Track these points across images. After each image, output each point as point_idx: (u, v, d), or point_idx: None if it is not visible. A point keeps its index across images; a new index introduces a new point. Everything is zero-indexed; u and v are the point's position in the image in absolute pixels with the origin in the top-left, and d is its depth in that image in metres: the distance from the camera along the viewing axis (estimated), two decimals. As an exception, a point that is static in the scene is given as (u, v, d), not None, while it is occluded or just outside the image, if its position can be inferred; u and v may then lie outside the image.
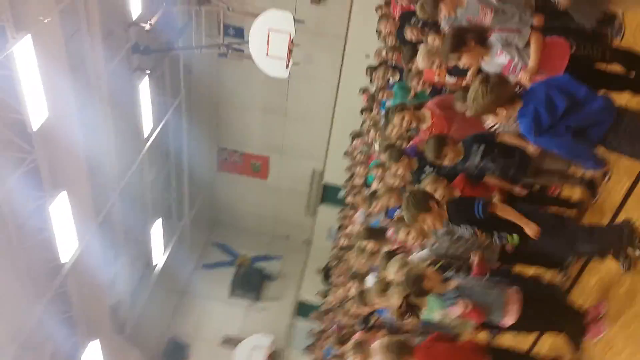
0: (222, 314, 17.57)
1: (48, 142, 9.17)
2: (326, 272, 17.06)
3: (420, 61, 5.15)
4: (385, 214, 6.46)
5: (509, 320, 3.50)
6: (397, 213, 5.18)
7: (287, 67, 12.96)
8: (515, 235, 3.37)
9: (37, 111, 8.62)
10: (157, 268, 15.61)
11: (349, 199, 12.70)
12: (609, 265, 3.66)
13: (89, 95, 10.49)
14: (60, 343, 10.99)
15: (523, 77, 3.31)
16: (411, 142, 5.70)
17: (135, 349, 13.81)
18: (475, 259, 3.80)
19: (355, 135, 13.03)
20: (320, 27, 15.44)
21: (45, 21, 8.21)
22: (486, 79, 3.03)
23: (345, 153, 14.59)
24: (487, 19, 3.88)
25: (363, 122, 13.03)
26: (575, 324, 3.77)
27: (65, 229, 10.05)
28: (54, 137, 9.29)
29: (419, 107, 4.88)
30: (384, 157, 5.99)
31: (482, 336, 4.65)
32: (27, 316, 9.83)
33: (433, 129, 4.61)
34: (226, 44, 14.40)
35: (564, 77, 3.06)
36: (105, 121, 11.31)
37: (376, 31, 11.67)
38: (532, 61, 3.32)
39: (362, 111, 13.18)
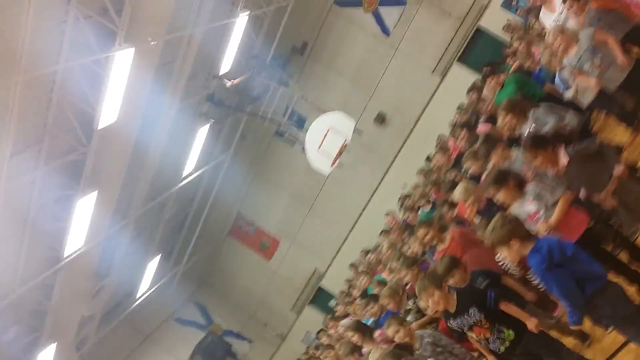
0: (174, 373, 17.19)
1: (104, 143, 9.83)
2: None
3: (457, 194, 5.71)
4: (378, 319, 6.73)
5: None
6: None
7: (332, 165, 13.72)
8: (511, 332, 3.73)
9: (108, 113, 9.39)
10: (136, 302, 15.63)
11: (339, 308, 12.80)
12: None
13: (155, 120, 11.32)
14: (23, 332, 10.99)
15: (541, 228, 3.80)
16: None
17: (83, 371, 13.57)
18: None
19: (368, 252, 13.43)
20: (373, 144, 16.43)
21: (152, 43, 9.20)
22: (504, 216, 3.54)
23: (351, 265, 14.91)
24: (529, 176, 4.47)
25: (378, 245, 13.49)
26: None
27: (79, 227, 10.47)
28: (111, 142, 9.98)
29: (442, 229, 5.37)
30: (396, 264, 6.40)
31: None
32: (4, 292, 9.95)
33: (447, 252, 5.05)
34: (286, 125, 15.45)
35: (572, 243, 3.53)
36: (157, 148, 12.06)
37: (427, 157, 12.49)
38: (554, 218, 3.83)
39: (381, 232, 13.70)
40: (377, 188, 17.11)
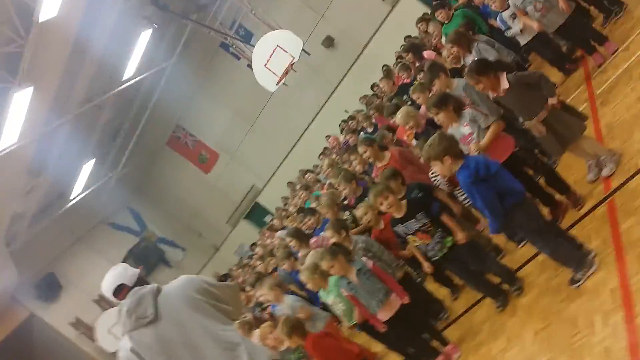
0: (105, 275, 17.43)
1: (43, 37, 9.43)
2: (223, 280, 17.36)
3: (399, 117, 6.08)
4: (313, 231, 7.18)
5: (382, 316, 4.31)
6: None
7: (277, 84, 13.75)
8: (450, 239, 4.24)
9: (48, 7, 8.97)
10: (69, 203, 15.53)
11: (276, 222, 13.32)
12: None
13: (97, 19, 10.89)
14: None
15: (472, 149, 4.26)
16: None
17: (12, 266, 13.55)
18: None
19: (307, 172, 13.88)
20: (320, 67, 16.49)
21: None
22: (442, 134, 3.95)
23: (289, 183, 15.39)
24: (467, 103, 4.87)
25: (317, 165, 13.96)
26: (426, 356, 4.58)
27: (14, 122, 10.18)
28: (50, 37, 9.59)
29: (382, 148, 5.77)
30: (335, 180, 6.81)
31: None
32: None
33: (386, 167, 5.47)
34: (232, 39, 15.17)
35: (497, 161, 3.99)
36: (97, 48, 11.67)
37: (372, 86, 12.79)
38: (484, 141, 4.28)
39: (321, 153, 14.15)
40: (319, 111, 17.38)
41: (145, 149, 18.50)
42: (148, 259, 18.59)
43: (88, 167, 15.18)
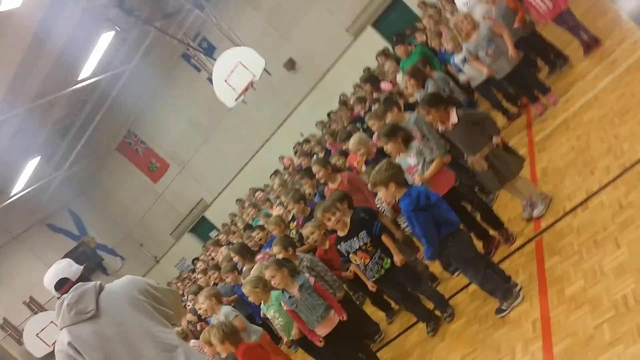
0: (38, 277, 16.81)
1: (2, 28, 9.30)
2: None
3: (351, 144, 6.30)
4: (259, 248, 7.26)
5: (320, 331, 4.44)
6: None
7: (236, 100, 13.85)
8: (388, 261, 4.41)
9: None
10: (8, 200, 15.00)
11: (222, 237, 13.26)
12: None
13: (59, 15, 10.76)
14: None
15: (416, 180, 4.51)
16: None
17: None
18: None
19: (257, 190, 13.96)
20: (280, 88, 16.71)
21: None
22: (390, 162, 4.18)
23: (238, 200, 15.42)
24: (416, 136, 5.15)
25: (267, 185, 14.08)
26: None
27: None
28: (10, 28, 9.46)
29: (334, 170, 5.97)
30: (285, 198, 6.94)
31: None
32: None
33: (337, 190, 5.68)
34: (194, 50, 15.24)
35: (437, 193, 4.24)
36: (56, 44, 11.50)
37: (328, 113, 13.07)
38: (427, 173, 4.55)
39: (273, 174, 14.28)
40: (275, 131, 17.53)
41: (94, 151, 18.12)
42: (85, 264, 18.04)
43: (33, 164, 14.75)
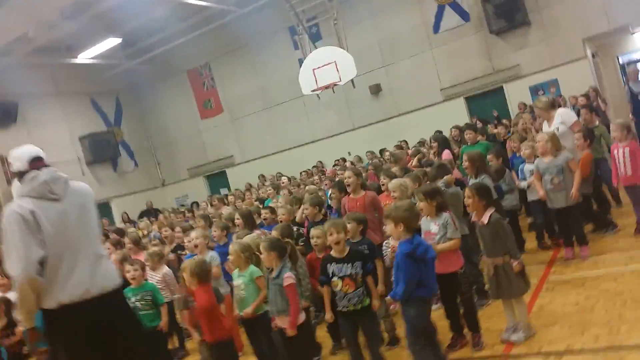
0: (57, 137, 17.39)
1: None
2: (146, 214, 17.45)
3: (391, 183, 6.40)
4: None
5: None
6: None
7: (312, 91, 14.11)
8: (368, 300, 4.44)
9: None
10: (71, 59, 15.57)
11: (230, 198, 13.40)
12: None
13: None
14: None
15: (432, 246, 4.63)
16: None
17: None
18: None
19: (283, 176, 14.13)
20: (355, 103, 17.00)
21: None
22: (413, 206, 4.30)
23: (261, 176, 15.68)
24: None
25: (293, 178, 14.28)
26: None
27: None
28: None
29: (364, 186, 6.22)
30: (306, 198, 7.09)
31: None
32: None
33: (358, 202, 5.95)
34: (303, 29, 15.53)
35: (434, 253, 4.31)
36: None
37: (382, 150, 13.04)
38: (441, 246, 4.63)
39: (304, 172, 14.38)
40: (328, 137, 17.77)
41: (168, 62, 18.72)
42: (101, 151, 18.51)
43: (111, 42, 15.49)
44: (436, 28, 16.08)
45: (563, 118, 7.40)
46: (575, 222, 6.63)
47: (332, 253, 4.62)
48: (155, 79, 19.88)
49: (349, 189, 6.35)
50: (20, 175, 3.47)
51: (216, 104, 19.49)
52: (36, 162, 3.50)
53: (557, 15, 14.48)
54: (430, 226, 4.79)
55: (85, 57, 16.18)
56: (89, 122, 18.69)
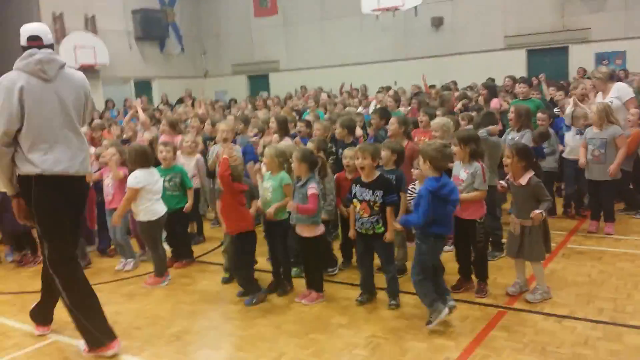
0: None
1: None
2: (180, 101, 17.56)
3: (434, 122, 6.31)
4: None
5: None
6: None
7: (372, 10, 13.72)
8: (383, 229, 4.52)
9: None
10: None
11: (269, 101, 13.44)
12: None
13: None
14: None
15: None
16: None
17: None
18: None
19: (324, 92, 14.00)
20: (412, 32, 16.42)
21: None
22: (446, 147, 4.31)
23: (303, 87, 15.53)
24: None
25: (334, 95, 14.13)
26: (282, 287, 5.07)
27: None
28: None
29: (407, 135, 6.20)
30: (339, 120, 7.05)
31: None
32: None
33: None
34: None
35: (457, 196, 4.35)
36: None
37: (430, 85, 12.78)
38: (465, 195, 4.63)
39: (345, 91, 14.23)
40: (376, 62, 17.44)
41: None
42: (150, 28, 18.43)
43: None
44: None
45: (620, 93, 7.20)
46: (607, 197, 6.56)
47: (362, 176, 4.69)
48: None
49: (389, 134, 6.26)
50: (23, 50, 3.70)
51: (272, 4, 19.06)
52: (34, 40, 3.69)
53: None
54: (460, 172, 4.78)
55: None
56: (143, -2, 18.53)
